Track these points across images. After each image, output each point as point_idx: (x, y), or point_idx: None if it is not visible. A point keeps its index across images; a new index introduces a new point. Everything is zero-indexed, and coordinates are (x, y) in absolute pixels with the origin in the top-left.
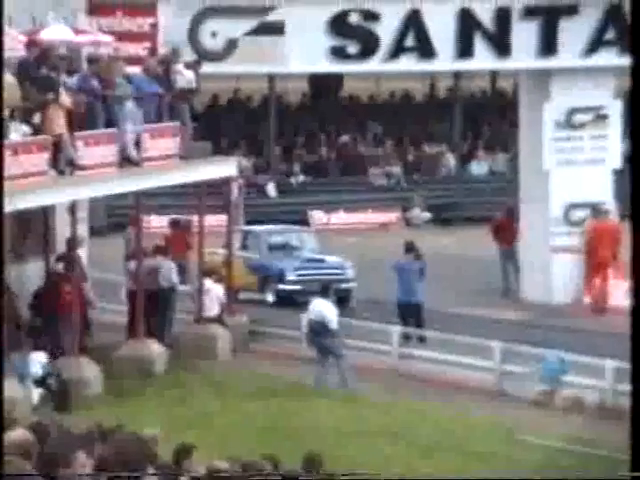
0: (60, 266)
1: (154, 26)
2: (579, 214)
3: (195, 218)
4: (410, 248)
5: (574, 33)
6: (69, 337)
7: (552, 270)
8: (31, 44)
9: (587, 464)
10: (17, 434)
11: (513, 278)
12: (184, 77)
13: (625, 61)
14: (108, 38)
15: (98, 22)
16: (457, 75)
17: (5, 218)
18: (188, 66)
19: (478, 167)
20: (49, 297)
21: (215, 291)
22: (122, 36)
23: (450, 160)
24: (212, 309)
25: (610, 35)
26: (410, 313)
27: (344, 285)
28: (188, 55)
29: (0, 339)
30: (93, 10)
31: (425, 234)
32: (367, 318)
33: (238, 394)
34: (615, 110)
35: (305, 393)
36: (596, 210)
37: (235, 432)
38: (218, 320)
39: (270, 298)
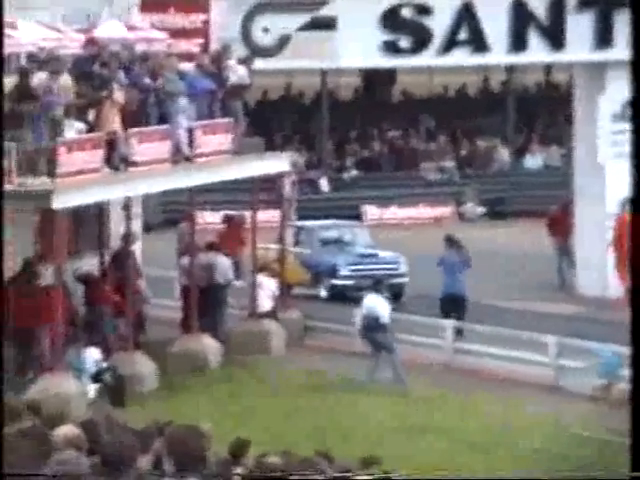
0: (113, 263)
1: (206, 22)
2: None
3: (248, 214)
4: (450, 241)
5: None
6: (124, 333)
7: (608, 264)
8: (86, 42)
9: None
10: (65, 430)
11: (568, 272)
12: (236, 73)
13: None
14: (161, 35)
15: (151, 19)
16: (511, 68)
17: (61, 215)
18: (240, 62)
19: (532, 161)
20: (103, 293)
21: (268, 286)
22: (175, 33)
23: (504, 154)
24: (265, 305)
25: None
26: (453, 306)
27: (397, 280)
28: (240, 51)
29: (0, 340)
30: (146, 7)
31: (479, 228)
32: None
33: (291, 389)
34: None
35: (358, 388)
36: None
37: (287, 427)
38: (271, 315)
39: (323, 293)
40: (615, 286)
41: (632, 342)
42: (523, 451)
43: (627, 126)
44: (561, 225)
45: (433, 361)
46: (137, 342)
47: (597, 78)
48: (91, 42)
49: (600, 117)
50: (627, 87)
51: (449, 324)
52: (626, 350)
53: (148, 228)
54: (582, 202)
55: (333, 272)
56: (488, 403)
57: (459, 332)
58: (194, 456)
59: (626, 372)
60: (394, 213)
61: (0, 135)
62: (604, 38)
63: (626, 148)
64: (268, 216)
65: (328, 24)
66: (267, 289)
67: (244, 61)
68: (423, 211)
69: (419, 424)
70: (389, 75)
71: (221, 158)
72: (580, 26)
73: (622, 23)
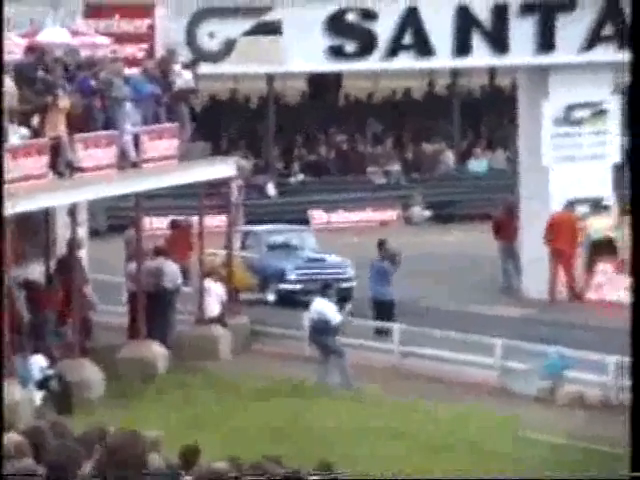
0: (59, 269)
1: (151, 28)
2: (579, 210)
3: (195, 219)
4: (382, 246)
5: (572, 29)
6: (70, 339)
7: (553, 266)
8: (28, 47)
9: (590, 460)
10: (10, 438)
11: (514, 275)
12: (182, 78)
13: (623, 56)
14: (105, 40)
15: (96, 24)
16: (455, 72)
17: (5, 221)
18: (186, 67)
19: (477, 164)
20: (49, 299)
21: (216, 292)
22: (119, 38)
23: (449, 158)
24: (213, 310)
25: (608, 30)
26: (383, 310)
27: (344, 284)
28: (186, 56)
29: (0, 341)
30: (90, 12)
31: (425, 232)
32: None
33: (240, 394)
34: (614, 105)
35: (308, 393)
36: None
37: (238, 433)
38: (219, 321)
39: (271, 298)
40: (559, 288)
41: (632, 345)
42: (473, 453)
43: (570, 129)
44: (506, 228)
45: (382, 364)
46: (84, 348)
47: (540, 82)
48: (34, 47)
49: (544, 120)
50: (569, 91)
51: (397, 327)
52: (570, 352)
53: (94, 234)
54: (527, 205)
55: (281, 277)
56: (436, 405)
57: (384, 332)
58: (134, 462)
59: (571, 374)
60: (341, 217)
61: (0, 135)
62: (547, 42)
63: (569, 151)
64: (215, 221)
65: (273, 29)
66: (215, 294)
67: (189, 66)
68: (370, 215)
69: (368, 427)
70: (335, 79)
71: (167, 163)
72: (523, 30)
73: (564, 27)
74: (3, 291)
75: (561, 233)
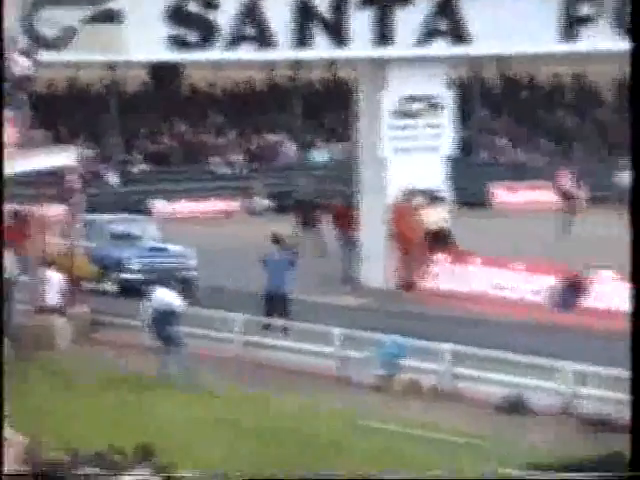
0: None
1: None
2: (416, 201)
3: (35, 208)
4: (277, 239)
5: (408, 23)
6: None
7: (390, 256)
8: None
9: (425, 447)
10: None
11: (352, 264)
12: (19, 65)
13: (457, 50)
14: None
15: None
16: (297, 64)
17: None
18: (23, 54)
19: (318, 155)
20: None
21: (56, 281)
22: None
23: (291, 148)
24: (52, 300)
25: (443, 26)
26: (275, 305)
27: (187, 273)
28: (24, 43)
29: (0, 337)
30: None
31: (266, 222)
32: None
33: (79, 385)
34: (449, 98)
35: (147, 383)
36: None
37: (75, 423)
38: (59, 310)
39: (112, 288)
40: (398, 278)
41: (632, 346)
42: (311, 442)
43: (407, 122)
44: (345, 218)
45: (224, 354)
46: None
47: (379, 74)
48: None
49: (381, 112)
50: (407, 83)
51: (239, 317)
52: (406, 340)
53: None
54: (365, 195)
55: (122, 266)
56: (278, 395)
57: (280, 329)
58: None
59: (407, 362)
60: (184, 207)
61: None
62: (384, 35)
63: (406, 143)
64: (56, 210)
65: (115, 17)
66: (55, 284)
67: (27, 53)
68: (212, 205)
69: (206, 417)
70: (177, 69)
71: (6, 151)
72: (362, 23)
73: (401, 21)
74: (3, 288)
75: (399, 223)
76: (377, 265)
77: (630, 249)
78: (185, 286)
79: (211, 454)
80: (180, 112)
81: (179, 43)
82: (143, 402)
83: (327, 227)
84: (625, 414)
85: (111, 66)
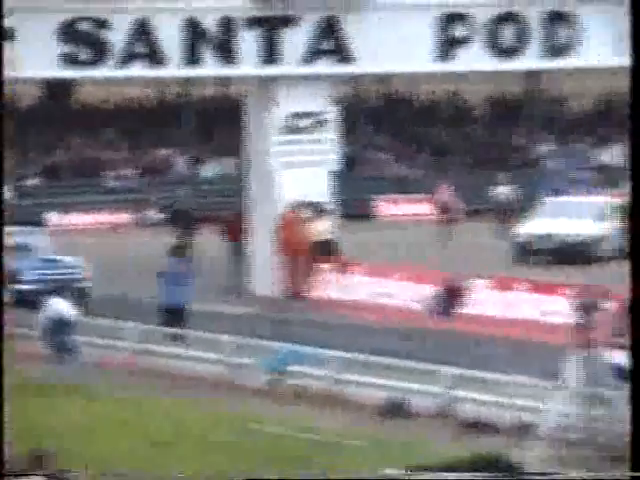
0: None
1: None
2: (303, 213)
3: None
4: (175, 252)
5: (294, 43)
6: None
7: (278, 266)
8: None
9: (313, 450)
10: None
11: (242, 274)
12: None
13: (341, 69)
14: None
15: None
16: (186, 82)
17: None
18: None
19: (208, 170)
20: None
21: None
22: None
23: (181, 163)
24: None
25: (327, 45)
26: (172, 317)
27: (80, 284)
28: None
29: (0, 336)
30: None
31: (158, 234)
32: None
33: None
34: (333, 115)
35: (42, 390)
36: (317, 209)
37: None
38: None
39: (7, 298)
40: (286, 286)
41: (632, 347)
42: (201, 445)
43: (293, 137)
44: (235, 230)
45: (117, 362)
46: None
47: (266, 92)
48: None
49: (269, 129)
50: (294, 101)
51: (131, 326)
52: (294, 347)
53: None
54: (254, 208)
55: (16, 277)
56: (169, 401)
57: (178, 338)
58: None
59: (295, 368)
60: (76, 219)
61: (0, 136)
62: (272, 54)
63: (293, 157)
64: None
65: (6, 35)
66: None
67: None
68: (104, 217)
69: (98, 422)
70: (70, 86)
71: None
72: (250, 42)
73: (288, 41)
74: (3, 289)
75: (287, 234)
76: (266, 274)
77: (630, 252)
78: (78, 296)
79: (108, 455)
80: (73, 127)
81: (72, 61)
82: (38, 408)
83: (219, 238)
84: (500, 416)
85: (2, 82)
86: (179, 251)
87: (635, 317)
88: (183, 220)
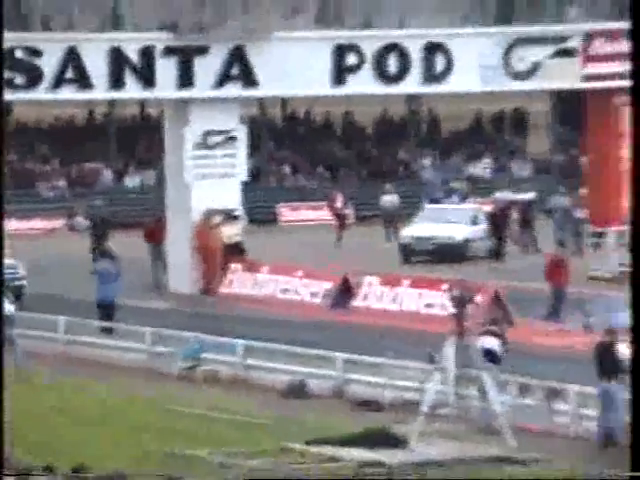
0: None
1: None
2: (215, 219)
3: None
4: (104, 253)
5: (207, 69)
6: None
7: (193, 266)
8: None
9: (224, 427)
10: None
11: (161, 273)
12: None
13: (248, 92)
14: None
15: None
16: (111, 103)
17: None
18: None
19: (131, 181)
20: None
21: None
22: None
23: (107, 175)
24: None
25: (236, 71)
26: (104, 310)
27: (17, 283)
28: None
29: (0, 339)
30: None
31: (86, 238)
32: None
33: None
34: (241, 133)
35: None
36: (228, 215)
37: None
38: None
39: None
40: (198, 284)
41: (632, 346)
42: (124, 425)
43: (207, 152)
44: (155, 234)
45: (50, 352)
46: None
47: (182, 112)
48: None
49: (185, 144)
50: (206, 120)
51: (61, 320)
52: (206, 337)
53: None
54: (172, 215)
55: None
56: (95, 385)
57: (108, 330)
58: None
59: (207, 355)
60: (13, 225)
61: (0, 137)
62: (186, 79)
63: (206, 170)
64: None
65: None
66: None
67: None
68: (38, 223)
69: (40, 406)
70: (7, 107)
71: None
72: (167, 69)
73: (201, 67)
74: (2, 288)
75: (201, 238)
76: (182, 273)
77: (630, 256)
78: (16, 294)
79: (42, 439)
80: (10, 144)
81: (9, 85)
82: None
83: (141, 241)
84: (387, 395)
85: None
86: (107, 252)
87: (635, 316)
88: (100, 226)
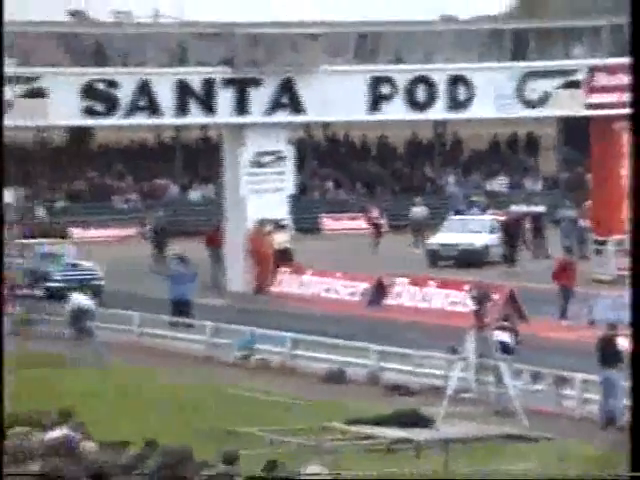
0: None
1: None
2: (267, 228)
3: None
4: (180, 259)
5: (260, 98)
6: None
7: (248, 268)
8: None
9: (274, 409)
10: None
11: (220, 275)
12: None
13: (295, 118)
14: None
15: None
16: (178, 128)
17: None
18: None
19: (194, 194)
20: None
21: None
22: None
23: (174, 189)
24: None
25: (285, 100)
26: (180, 308)
27: (96, 282)
28: None
29: (0, 334)
30: None
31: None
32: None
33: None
34: (289, 153)
35: (64, 364)
36: (277, 224)
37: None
38: None
39: (41, 293)
40: (254, 284)
41: (632, 345)
42: (192, 406)
43: (259, 170)
44: (215, 240)
45: (125, 342)
46: None
47: (238, 135)
48: None
49: (241, 163)
50: (259, 142)
51: (135, 315)
52: (259, 330)
53: None
54: (230, 223)
55: (48, 277)
56: (164, 371)
57: (174, 324)
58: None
59: (259, 346)
60: (94, 233)
61: (0, 138)
62: (242, 107)
63: (259, 186)
64: None
65: (40, 93)
66: None
67: None
68: (114, 232)
69: (118, 391)
70: (89, 131)
71: None
72: (226, 97)
73: (254, 97)
74: (2, 287)
75: (255, 244)
76: (238, 275)
77: (631, 260)
78: (95, 292)
79: (112, 418)
80: (91, 163)
81: (91, 112)
82: (59, 378)
83: (203, 246)
84: (416, 382)
85: (39, 129)
86: (180, 257)
87: (635, 316)
88: (160, 234)
